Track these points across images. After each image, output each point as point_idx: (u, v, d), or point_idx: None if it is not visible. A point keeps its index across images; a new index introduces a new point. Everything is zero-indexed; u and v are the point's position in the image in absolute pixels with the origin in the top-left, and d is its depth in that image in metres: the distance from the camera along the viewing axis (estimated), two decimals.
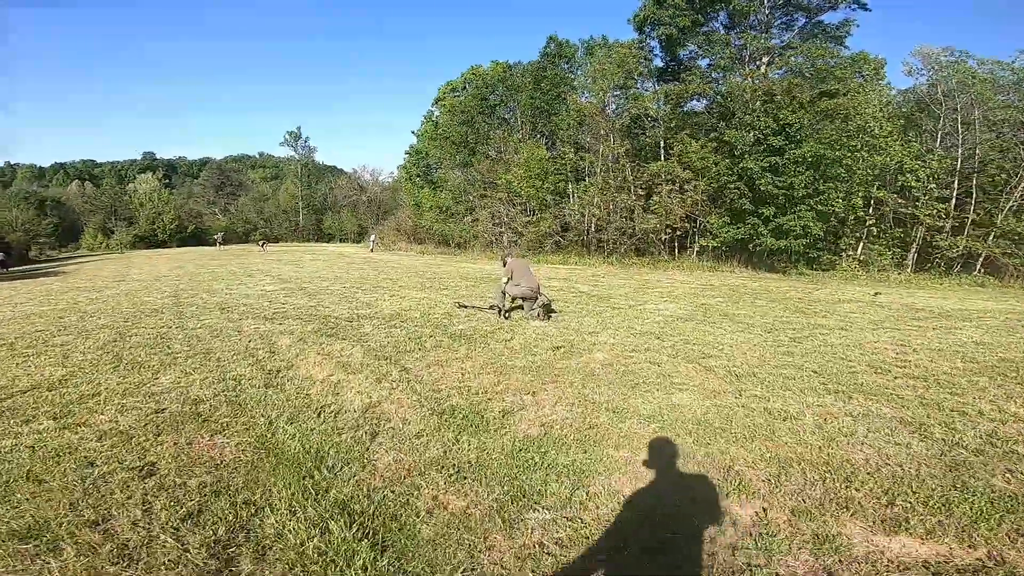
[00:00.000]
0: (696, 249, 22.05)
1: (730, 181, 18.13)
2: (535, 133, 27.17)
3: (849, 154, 16.63)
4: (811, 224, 16.58)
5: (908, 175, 17.44)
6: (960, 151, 18.89)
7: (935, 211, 18.65)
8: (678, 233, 20.53)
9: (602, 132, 23.04)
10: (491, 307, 7.96)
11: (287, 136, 61.66)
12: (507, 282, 7.85)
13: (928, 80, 20.25)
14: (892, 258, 19.67)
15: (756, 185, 17.31)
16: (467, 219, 30.99)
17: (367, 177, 60.66)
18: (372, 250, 32.58)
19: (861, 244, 19.98)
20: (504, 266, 8.10)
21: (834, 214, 17.29)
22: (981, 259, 18.64)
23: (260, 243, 37.69)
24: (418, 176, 38.29)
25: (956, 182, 19.02)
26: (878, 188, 18.28)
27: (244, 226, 58.08)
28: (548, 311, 7.80)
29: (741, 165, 17.67)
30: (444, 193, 32.78)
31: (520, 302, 8.02)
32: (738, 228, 18.23)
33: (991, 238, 18.22)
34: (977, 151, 18.58)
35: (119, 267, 20.57)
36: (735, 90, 18.65)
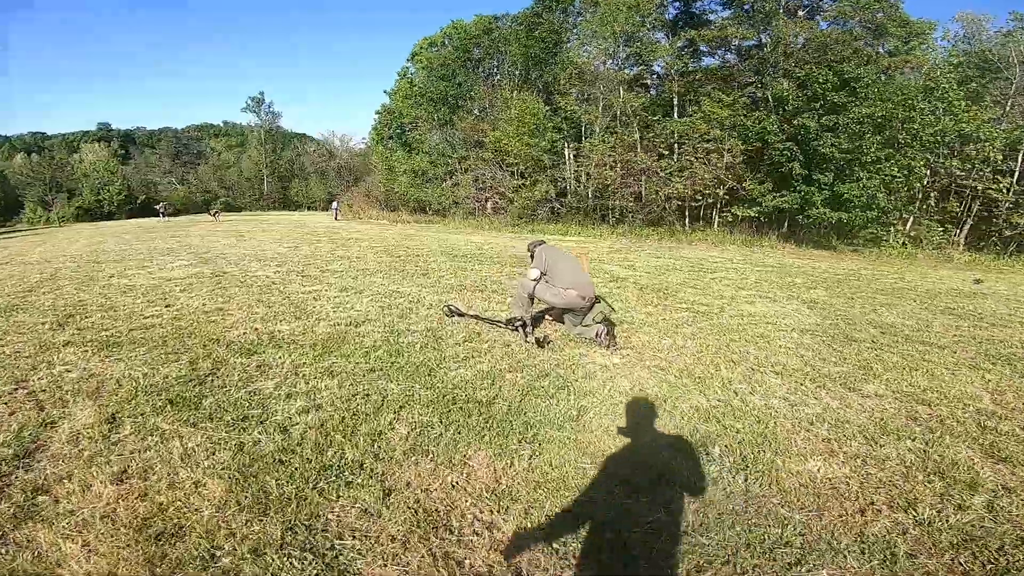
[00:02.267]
0: (718, 220, 18.94)
1: (777, 141, 14.89)
2: (528, 85, 23.30)
3: (919, 116, 13.53)
4: (879, 194, 13.57)
5: (982, 143, 14.46)
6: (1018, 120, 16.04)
7: (999, 185, 15.87)
8: (709, 200, 17.32)
9: (611, 83, 19.42)
10: (508, 322, 4.57)
11: (249, 102, 57.60)
12: (538, 282, 4.50)
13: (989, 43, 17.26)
14: (946, 235, 16.95)
15: (812, 147, 14.12)
16: (447, 183, 27.28)
17: (337, 143, 56.94)
18: (336, 218, 28.64)
19: (911, 219, 17.14)
20: (532, 257, 4.74)
21: (901, 183, 14.29)
22: None
23: (213, 212, 33.26)
24: (390, 138, 34.45)
25: (1021, 155, 16.24)
26: (943, 156, 15.31)
27: (204, 196, 54.61)
28: (611, 330, 4.45)
29: (797, 122, 14.42)
30: (420, 156, 28.85)
31: (548, 311, 4.72)
32: (783, 197, 15.11)
33: None
34: None
35: (23, 246, 16.26)
36: (784, 36, 15.22)
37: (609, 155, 18.47)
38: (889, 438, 3.05)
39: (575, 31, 22.26)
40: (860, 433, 3.09)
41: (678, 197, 17.63)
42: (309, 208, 52.05)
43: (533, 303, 4.59)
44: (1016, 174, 15.89)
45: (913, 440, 3.02)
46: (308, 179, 56.51)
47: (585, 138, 21.41)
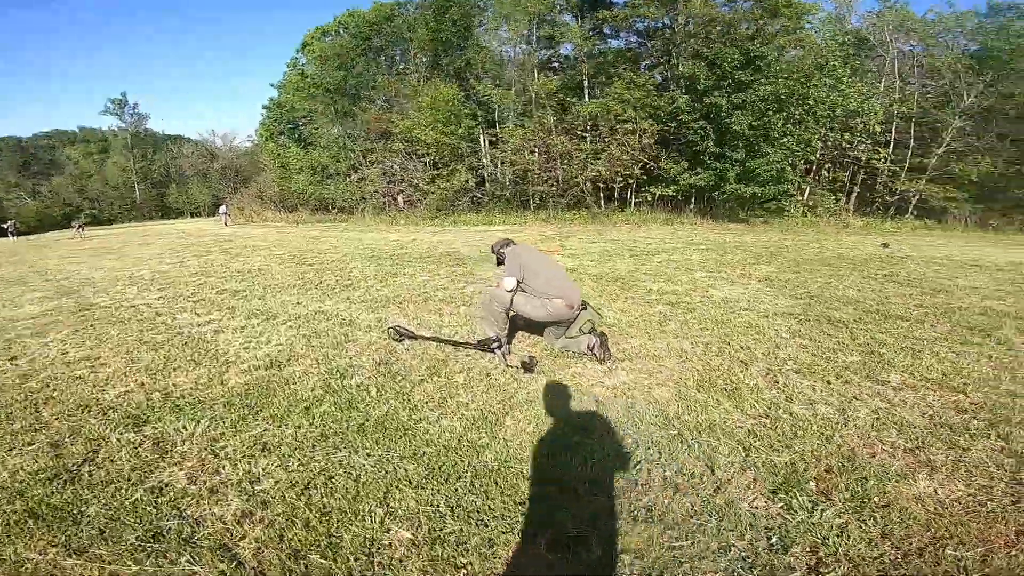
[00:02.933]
0: (635, 201, 19.18)
1: (691, 120, 15.17)
2: (440, 72, 22.01)
3: (813, 92, 14.43)
4: (786, 168, 14.30)
5: (865, 116, 15.82)
6: (897, 95, 17.90)
7: (879, 155, 17.59)
8: (629, 181, 17.35)
9: (526, 66, 18.84)
10: (481, 344, 3.66)
11: (110, 104, 51.13)
12: (515, 291, 3.63)
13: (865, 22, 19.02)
14: (837, 203, 18.55)
15: (724, 124, 14.52)
16: (351, 178, 25.30)
17: (219, 143, 51.83)
18: (226, 224, 25.44)
19: (808, 189, 18.53)
20: (500, 262, 3.91)
21: (800, 157, 15.23)
22: (914, 203, 18.12)
23: (77, 226, 28.13)
24: (282, 134, 31.41)
25: (894, 126, 18.11)
26: (832, 130, 16.59)
27: (65, 209, 47.83)
28: (604, 341, 3.70)
29: (709, 101, 14.72)
30: (318, 151, 26.43)
31: (519, 324, 3.90)
32: (698, 174, 15.48)
33: (923, 183, 17.62)
34: (917, 95, 17.65)
35: None
36: (695, 14, 15.46)
37: (529, 139, 17.89)
38: (961, 436, 2.63)
39: (489, 12, 21.25)
40: (931, 435, 2.63)
41: (600, 179, 17.52)
42: (193, 215, 47.46)
43: (508, 316, 3.72)
44: (891, 144, 17.68)
45: (987, 437, 2.61)
46: (188, 184, 51.51)
47: (501, 124, 20.65)
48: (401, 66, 24.85)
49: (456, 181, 21.11)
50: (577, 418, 2.76)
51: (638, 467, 2.32)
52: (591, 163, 17.05)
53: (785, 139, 14.16)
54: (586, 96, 19.83)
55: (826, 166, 17.49)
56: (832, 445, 2.52)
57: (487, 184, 21.83)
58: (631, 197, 19.39)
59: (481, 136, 21.43)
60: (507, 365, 3.45)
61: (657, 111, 16.21)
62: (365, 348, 3.89)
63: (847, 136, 16.67)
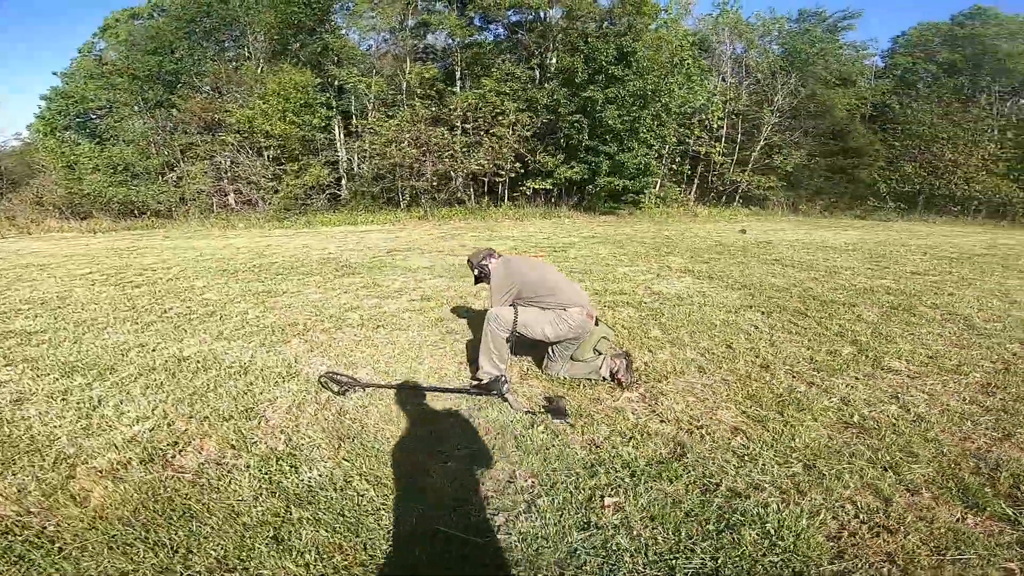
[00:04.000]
0: (508, 195, 18.99)
1: (568, 114, 15.31)
2: (288, 56, 19.16)
3: (668, 89, 15.68)
4: (652, 161, 15.25)
5: (709, 113, 17.76)
6: (730, 93, 20.49)
7: (716, 149, 19.96)
8: (511, 176, 16.95)
9: (398, 54, 17.28)
10: (482, 387, 2.67)
11: None
12: (516, 315, 2.74)
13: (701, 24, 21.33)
14: (682, 193, 20.66)
15: (598, 118, 14.92)
16: (168, 177, 20.91)
17: None
18: None
19: (658, 181, 20.28)
20: (483, 277, 3.10)
21: (658, 151, 16.47)
22: (740, 191, 21.07)
23: None
24: (68, 129, 25.06)
25: (726, 123, 20.73)
26: (682, 125, 18.31)
27: None
28: (629, 363, 2.99)
29: (585, 95, 14.95)
30: (119, 147, 21.35)
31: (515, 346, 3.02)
32: (573, 168, 15.75)
33: (748, 174, 20.57)
34: (743, 93, 20.39)
35: None
36: (575, 8, 15.59)
37: (408, 131, 16.42)
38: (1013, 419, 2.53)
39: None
40: (999, 424, 2.46)
41: (482, 173, 16.86)
42: None
43: (510, 344, 2.79)
44: (723, 139, 20.19)
45: None
46: None
47: (366, 115, 18.72)
48: (235, 51, 21.18)
49: (310, 177, 18.60)
50: (699, 494, 1.98)
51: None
52: (470, 156, 16.28)
53: (650, 133, 15.14)
54: (462, 86, 18.98)
55: (676, 159, 19.29)
56: (950, 437, 2.18)
57: (347, 180, 19.68)
58: (503, 192, 19.14)
59: (337, 128, 19.19)
60: (522, 412, 2.52)
61: (534, 103, 16.11)
62: (294, 412, 2.59)
63: (692, 131, 18.56)
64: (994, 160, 18.73)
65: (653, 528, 1.75)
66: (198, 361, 3.30)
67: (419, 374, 3.08)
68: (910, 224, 17.72)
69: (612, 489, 1.95)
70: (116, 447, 2.24)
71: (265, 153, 19.17)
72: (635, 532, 1.72)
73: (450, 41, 18.53)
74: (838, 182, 21.28)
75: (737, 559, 1.62)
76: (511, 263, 2.99)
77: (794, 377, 3.15)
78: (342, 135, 19.50)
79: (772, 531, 1.73)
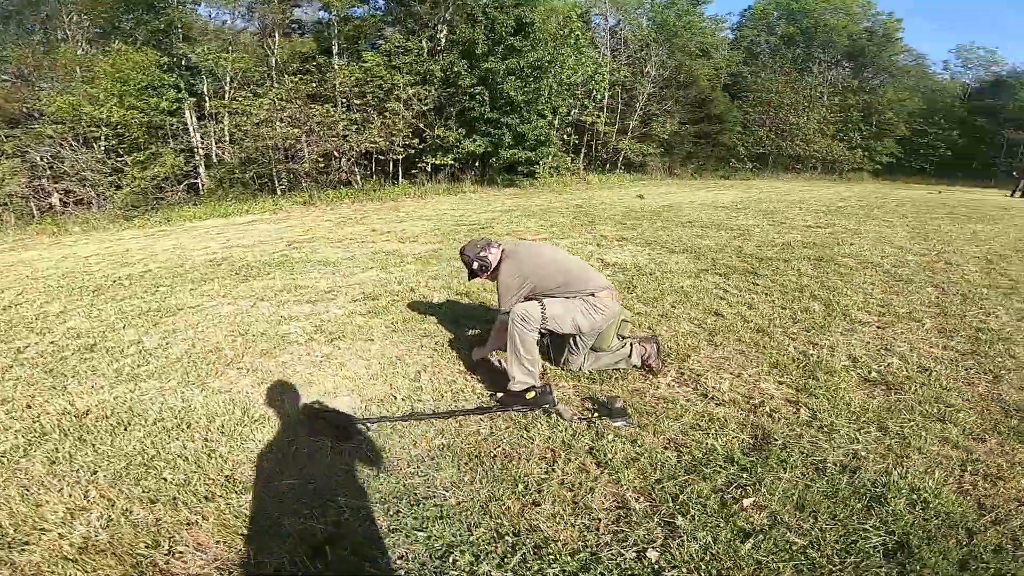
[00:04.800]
0: (411, 172, 17.90)
1: (468, 86, 14.57)
2: (122, 35, 15.69)
3: (561, 60, 15.70)
4: (551, 132, 15.22)
5: (595, 84, 18.19)
6: (611, 64, 21.18)
7: (601, 119, 20.67)
8: (410, 152, 15.80)
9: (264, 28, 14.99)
10: (515, 399, 2.25)
11: None
12: (544, 310, 2.33)
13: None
14: (573, 162, 21.21)
15: (499, 90, 14.42)
16: None
17: None
18: None
19: (552, 152, 20.54)
20: (480, 270, 2.60)
21: (553, 121, 16.53)
22: (622, 158, 22.23)
23: None
24: None
25: (608, 93, 21.48)
26: (574, 96, 18.58)
27: None
28: (660, 346, 2.76)
29: (486, 67, 14.27)
30: None
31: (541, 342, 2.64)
32: (475, 141, 15.16)
33: (628, 141, 21.72)
34: (622, 65, 21.17)
35: None
36: None
37: (284, 109, 14.40)
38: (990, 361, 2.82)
39: None
40: (983, 367, 2.71)
41: (376, 151, 15.49)
42: None
43: (539, 344, 2.41)
44: (605, 109, 20.93)
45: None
46: None
47: (226, 95, 16.14)
48: (44, 33, 16.90)
49: (161, 167, 15.75)
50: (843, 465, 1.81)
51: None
52: (363, 133, 14.86)
53: (547, 104, 15.06)
54: (336, 62, 17.13)
55: (567, 129, 19.62)
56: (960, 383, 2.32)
57: (204, 168, 17.00)
58: (396, 170, 17.95)
59: (189, 112, 16.37)
60: (576, 419, 2.18)
61: (430, 77, 15.11)
62: (293, 471, 1.95)
63: (580, 102, 18.95)
64: (826, 123, 21.96)
65: (809, 518, 1.59)
66: (108, 416, 2.41)
67: (423, 393, 2.56)
68: (767, 182, 20.18)
69: (736, 489, 1.72)
70: None
71: (97, 144, 15.79)
72: (796, 526, 1.55)
73: (324, 14, 16.61)
74: (704, 146, 23.43)
75: (909, 528, 1.52)
76: (518, 254, 2.58)
77: (793, 339, 3.20)
78: (194, 119, 16.68)
79: (914, 496, 1.67)
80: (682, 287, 4.35)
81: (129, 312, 4.23)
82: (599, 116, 20.37)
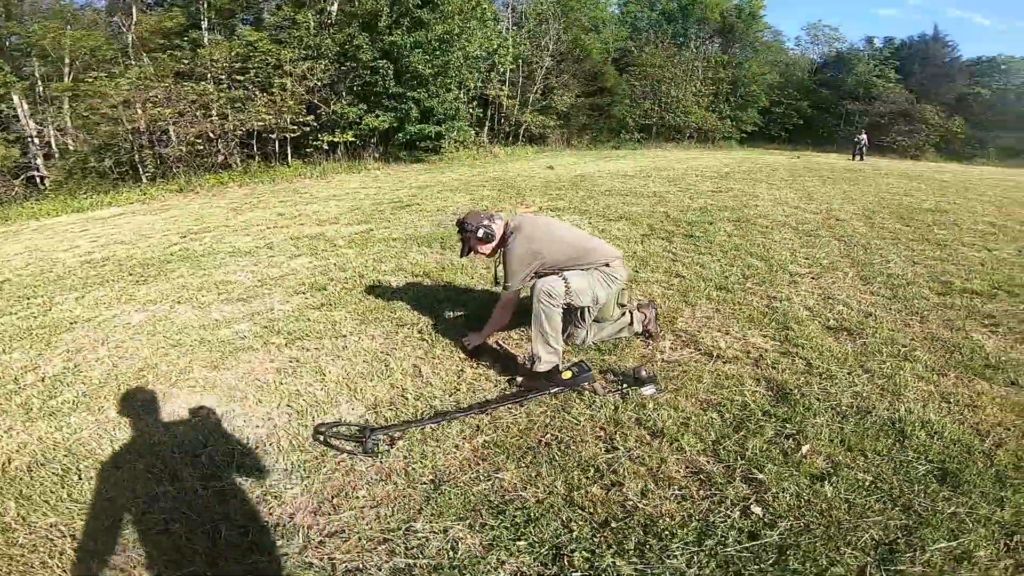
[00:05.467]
0: (289, 152, 16.36)
1: (370, 60, 13.46)
2: None
3: (467, 34, 15.16)
4: (461, 105, 14.71)
5: (499, 58, 17.89)
6: (513, 38, 20.89)
7: (505, 92, 20.51)
8: (304, 129, 14.30)
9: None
10: (551, 380, 2.14)
11: None
12: (567, 284, 2.26)
13: None
14: (478, 136, 20.90)
15: (404, 64, 13.53)
16: None
17: None
18: None
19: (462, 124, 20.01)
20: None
21: (459, 95, 16.00)
22: (524, 131, 22.38)
23: None
24: None
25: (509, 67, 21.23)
26: (478, 70, 18.11)
27: None
28: (657, 312, 2.82)
29: (390, 39, 13.21)
30: None
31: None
32: (379, 117, 14.18)
33: (529, 114, 21.88)
34: (523, 39, 20.98)
35: None
36: None
37: (151, 88, 12.18)
38: (920, 303, 3.30)
39: None
40: (916, 310, 3.17)
41: (265, 130, 13.81)
42: None
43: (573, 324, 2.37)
44: (507, 83, 20.75)
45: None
46: None
47: (71, 76, 13.27)
48: None
49: None
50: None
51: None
52: (245, 112, 13.19)
53: (455, 78, 14.51)
54: (206, 37, 14.83)
55: (473, 103, 19.18)
56: (908, 328, 2.70)
57: (44, 159, 14.07)
58: (285, 149, 16.28)
59: (17, 97, 13.30)
60: (607, 392, 2.15)
61: (324, 50, 13.71)
62: (346, 510, 1.68)
63: (485, 75, 18.57)
64: (701, 95, 23.92)
65: (859, 456, 1.76)
66: (37, 459, 1.87)
67: (434, 389, 2.35)
68: (653, 151, 21.58)
69: (785, 439, 1.83)
70: None
71: None
72: (855, 464, 1.72)
73: None
74: (598, 119, 24.39)
75: (942, 456, 1.74)
76: (527, 227, 2.43)
77: (752, 294, 3.46)
78: (24, 105, 13.58)
79: (928, 428, 1.88)
80: (635, 252, 4.50)
81: (5, 333, 3.35)
82: (503, 90, 20.19)
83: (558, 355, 2.27)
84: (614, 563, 1.32)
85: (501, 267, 2.51)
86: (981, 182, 11.96)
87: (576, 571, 1.30)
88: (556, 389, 2.11)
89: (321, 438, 1.91)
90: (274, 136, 14.66)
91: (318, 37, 13.77)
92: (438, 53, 14.02)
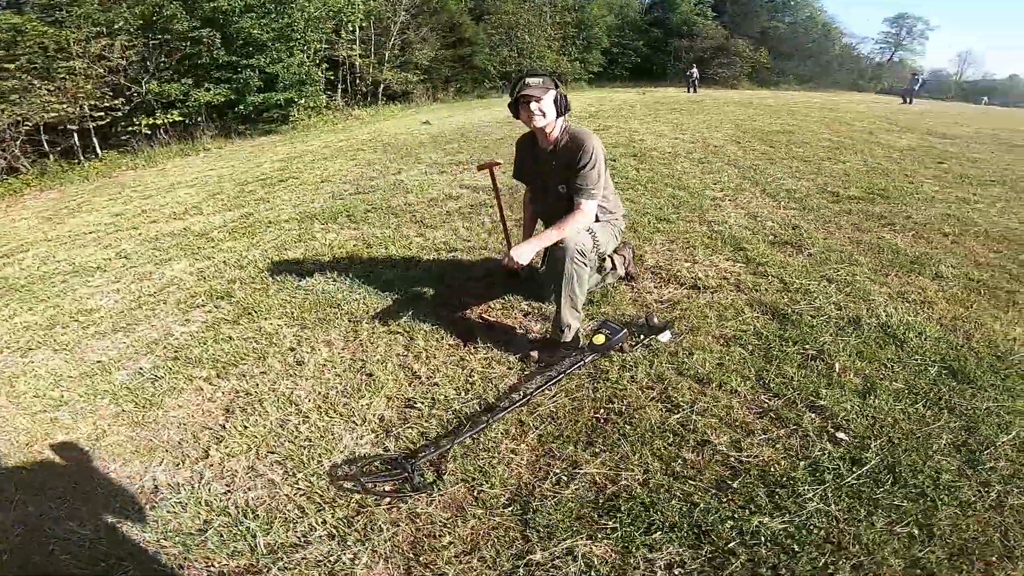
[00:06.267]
0: (95, 143, 13.32)
1: (188, 30, 11.01)
2: None
3: None
4: (312, 69, 12.96)
5: (348, 17, 16.01)
6: None
7: (356, 52, 18.67)
8: (114, 116, 11.50)
9: None
10: (584, 347, 1.95)
11: None
12: (595, 237, 2.11)
13: None
14: (330, 99, 18.95)
15: (235, 30, 11.32)
16: None
17: None
18: None
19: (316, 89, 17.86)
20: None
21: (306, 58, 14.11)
22: (382, 89, 20.78)
23: None
24: None
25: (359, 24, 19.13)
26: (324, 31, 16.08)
27: None
28: (633, 251, 2.75)
29: (212, 6, 10.82)
30: None
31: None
32: (211, 91, 11.91)
33: (387, 71, 20.28)
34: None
35: None
36: None
37: None
38: (838, 219, 3.70)
39: None
40: (845, 219, 3.55)
41: (59, 123, 10.85)
42: None
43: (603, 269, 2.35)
44: (358, 42, 18.87)
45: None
46: None
47: None
48: None
49: None
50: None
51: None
52: (22, 106, 10.21)
53: (301, 40, 12.66)
54: None
55: (322, 66, 17.13)
56: (845, 239, 3.02)
57: None
58: (90, 140, 13.12)
59: None
60: (642, 346, 2.06)
61: (124, 25, 10.88)
62: None
63: (329, 35, 16.64)
64: (552, 40, 24.18)
65: (881, 367, 1.89)
66: None
67: (447, 390, 2.03)
68: None
69: (814, 361, 1.91)
70: None
71: None
72: (884, 374, 1.85)
73: None
74: (460, 70, 23.56)
75: (949, 357, 1.93)
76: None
77: (691, 221, 3.61)
78: None
79: (918, 332, 2.08)
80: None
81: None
82: (353, 49, 18.34)
83: (579, 320, 2.08)
84: (762, 522, 1.24)
85: (550, 165, 2.14)
86: (796, 105, 13.90)
87: (731, 542, 1.19)
88: (592, 356, 1.94)
89: (350, 483, 1.53)
90: (74, 128, 11.78)
91: (111, 12, 11.08)
92: (274, 16, 12.09)
